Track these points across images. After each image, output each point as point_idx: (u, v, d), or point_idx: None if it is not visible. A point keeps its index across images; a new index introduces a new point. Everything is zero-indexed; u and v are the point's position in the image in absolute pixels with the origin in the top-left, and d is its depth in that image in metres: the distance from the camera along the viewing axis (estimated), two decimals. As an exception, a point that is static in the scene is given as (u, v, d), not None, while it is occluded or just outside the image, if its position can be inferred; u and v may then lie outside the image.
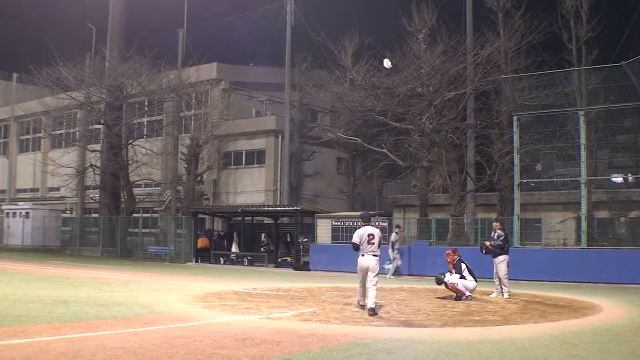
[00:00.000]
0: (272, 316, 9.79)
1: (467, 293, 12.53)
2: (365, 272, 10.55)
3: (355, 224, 23.58)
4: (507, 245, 13.78)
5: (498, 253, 13.62)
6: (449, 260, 13.13)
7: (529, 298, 13.32)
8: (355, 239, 10.69)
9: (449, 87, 24.93)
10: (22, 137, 49.24)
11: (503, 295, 13.32)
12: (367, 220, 11.06)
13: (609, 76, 18.96)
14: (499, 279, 13.55)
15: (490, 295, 13.44)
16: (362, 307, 10.75)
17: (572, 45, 25.83)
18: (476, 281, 12.88)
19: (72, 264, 24.48)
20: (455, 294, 12.57)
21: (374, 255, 10.52)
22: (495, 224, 14.06)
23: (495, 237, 13.75)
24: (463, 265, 12.83)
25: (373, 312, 10.08)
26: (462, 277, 12.69)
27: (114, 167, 32.46)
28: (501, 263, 13.50)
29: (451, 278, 12.66)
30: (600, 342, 7.91)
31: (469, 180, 26.21)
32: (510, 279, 13.71)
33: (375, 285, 10.40)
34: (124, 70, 31.71)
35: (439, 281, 12.78)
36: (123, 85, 32.77)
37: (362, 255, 10.58)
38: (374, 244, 10.55)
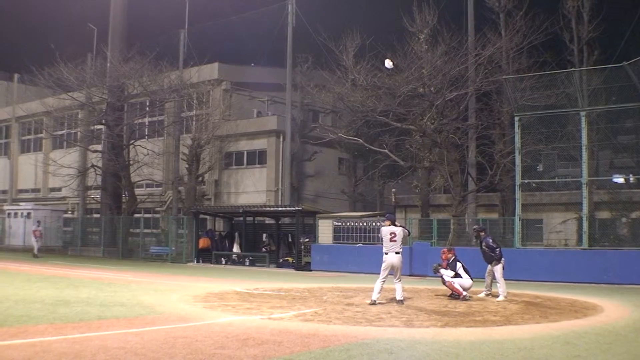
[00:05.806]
0: (273, 316, 9.80)
1: (464, 293, 12.57)
2: (391, 269, 11.62)
3: (355, 224, 23.64)
4: (498, 250, 13.56)
5: (491, 260, 13.55)
6: (443, 257, 13.33)
7: (530, 298, 13.30)
8: (380, 235, 12.09)
9: (451, 88, 24.89)
10: (23, 138, 49.24)
11: (497, 296, 13.21)
12: (391, 221, 12.06)
13: (611, 77, 18.94)
14: (491, 280, 13.58)
15: (479, 295, 13.43)
16: (373, 304, 11.33)
17: (573, 45, 25.78)
18: (472, 279, 12.90)
19: (74, 265, 24.51)
20: (451, 292, 12.68)
21: (396, 253, 11.62)
22: (481, 233, 13.94)
23: (484, 245, 13.62)
24: (458, 264, 12.95)
25: (402, 302, 11.50)
26: (457, 275, 12.75)
27: (115, 167, 32.45)
28: (497, 266, 13.42)
29: (446, 274, 12.80)
30: (602, 342, 7.91)
31: (470, 181, 26.17)
32: (511, 280, 13.69)
33: (400, 280, 11.76)
34: (125, 71, 31.70)
35: (436, 270, 13.13)
36: (124, 86, 32.77)
37: (387, 254, 11.64)
38: (395, 241, 11.63)
